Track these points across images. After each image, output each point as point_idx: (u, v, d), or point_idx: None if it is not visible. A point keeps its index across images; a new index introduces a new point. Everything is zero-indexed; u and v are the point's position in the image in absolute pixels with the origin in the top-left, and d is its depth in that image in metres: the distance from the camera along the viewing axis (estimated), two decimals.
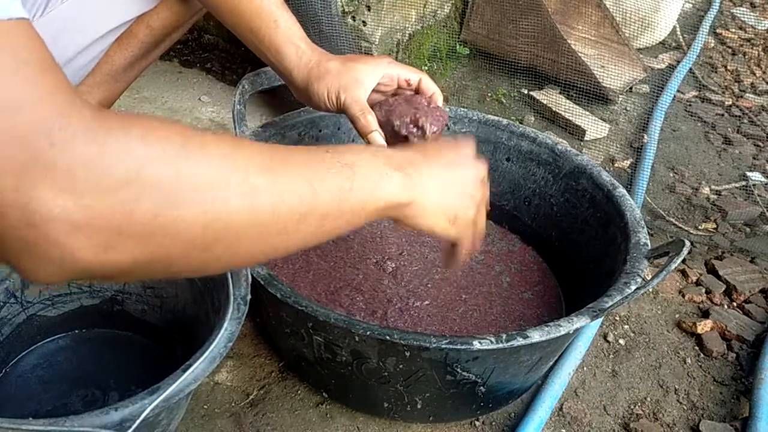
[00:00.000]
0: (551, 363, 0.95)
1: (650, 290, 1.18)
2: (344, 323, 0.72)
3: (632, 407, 0.97)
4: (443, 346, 0.71)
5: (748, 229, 1.39)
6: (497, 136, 1.16)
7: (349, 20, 1.61)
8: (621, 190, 1.01)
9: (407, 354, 0.74)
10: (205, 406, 0.89)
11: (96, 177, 0.37)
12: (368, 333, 0.71)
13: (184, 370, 0.61)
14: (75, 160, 0.37)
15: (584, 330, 1.03)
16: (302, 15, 1.38)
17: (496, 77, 1.87)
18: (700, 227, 1.38)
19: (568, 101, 1.76)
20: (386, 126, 0.81)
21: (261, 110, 1.55)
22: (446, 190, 0.63)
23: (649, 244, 0.89)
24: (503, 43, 1.85)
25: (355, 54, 1.43)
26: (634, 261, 0.86)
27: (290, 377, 0.95)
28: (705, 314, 1.15)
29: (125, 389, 0.86)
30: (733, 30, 2.44)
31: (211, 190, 0.42)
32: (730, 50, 2.29)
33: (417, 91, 0.85)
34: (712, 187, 1.53)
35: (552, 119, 1.72)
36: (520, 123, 1.66)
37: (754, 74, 2.14)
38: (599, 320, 1.06)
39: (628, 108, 1.84)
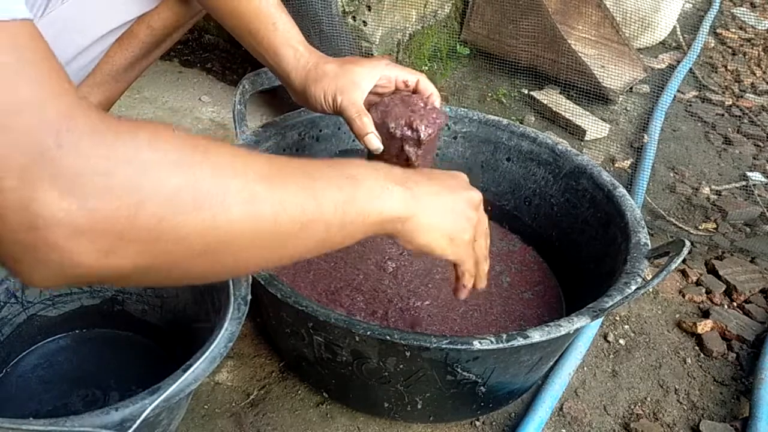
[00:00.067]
0: (551, 363, 0.95)
1: (650, 290, 1.18)
2: (344, 323, 0.72)
3: (632, 407, 0.97)
4: (443, 346, 0.71)
5: (748, 229, 1.39)
6: (497, 136, 1.16)
7: (350, 20, 1.61)
8: (621, 190, 1.01)
9: (407, 354, 0.74)
10: (206, 406, 0.89)
11: (101, 180, 0.37)
12: (368, 333, 0.71)
13: (185, 370, 0.61)
14: (81, 163, 0.36)
15: (584, 330, 1.03)
16: (302, 15, 1.38)
17: (497, 77, 1.87)
18: (700, 227, 1.38)
19: (568, 101, 1.76)
20: (382, 128, 0.81)
21: (261, 110, 1.55)
22: (445, 210, 0.63)
23: (649, 244, 0.89)
24: (503, 43, 1.85)
25: (354, 55, 1.44)
26: (634, 261, 0.86)
27: (291, 377, 0.95)
28: (705, 314, 1.15)
29: (126, 389, 0.86)
30: (734, 30, 2.44)
31: (215, 198, 0.42)
32: (730, 50, 2.29)
33: (415, 91, 0.85)
34: (713, 187, 1.53)
35: (552, 119, 1.72)
36: (521, 123, 1.66)
37: (755, 74, 2.14)
38: (599, 320, 1.06)
39: (628, 108, 1.84)
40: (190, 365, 0.62)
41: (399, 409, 0.85)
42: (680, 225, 1.37)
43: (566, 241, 1.10)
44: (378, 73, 0.82)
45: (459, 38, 1.94)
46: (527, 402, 0.94)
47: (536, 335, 0.73)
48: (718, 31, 2.41)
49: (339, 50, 1.42)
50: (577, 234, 1.08)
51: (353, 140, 1.09)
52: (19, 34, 0.36)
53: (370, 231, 0.55)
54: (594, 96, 1.75)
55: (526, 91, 1.82)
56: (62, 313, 0.91)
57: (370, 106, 0.83)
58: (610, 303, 0.78)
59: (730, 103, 1.94)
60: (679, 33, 2.23)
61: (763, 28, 2.46)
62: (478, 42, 1.91)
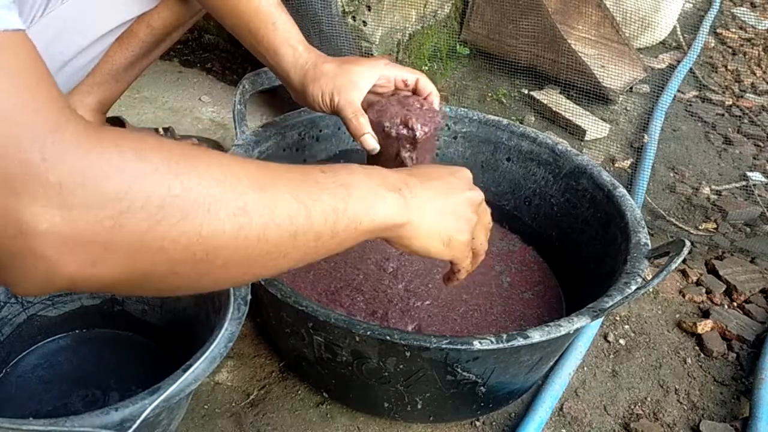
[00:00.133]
0: (551, 363, 0.95)
1: (650, 290, 1.18)
2: (344, 323, 0.72)
3: (632, 407, 0.97)
4: (443, 346, 0.71)
5: (748, 229, 1.39)
6: (497, 136, 1.16)
7: (350, 20, 1.61)
8: (621, 190, 1.01)
9: (407, 354, 0.74)
10: (206, 406, 0.89)
11: (86, 192, 0.37)
12: (368, 333, 0.71)
13: (185, 370, 0.61)
14: (66, 175, 0.36)
15: (584, 330, 1.03)
16: (302, 15, 1.38)
17: (497, 77, 1.87)
18: (700, 227, 1.38)
19: (568, 101, 1.76)
20: (378, 127, 0.81)
21: (261, 110, 1.55)
22: (441, 213, 0.62)
23: (649, 244, 0.89)
24: (503, 43, 1.85)
25: (354, 55, 1.44)
26: (634, 261, 0.86)
27: (291, 377, 0.95)
28: (705, 314, 1.15)
29: (126, 389, 0.86)
30: (734, 30, 2.44)
31: (202, 208, 0.41)
32: (730, 50, 2.29)
33: (414, 91, 0.85)
34: (713, 187, 1.53)
35: (552, 119, 1.72)
36: (521, 123, 1.66)
37: (755, 74, 2.14)
38: (599, 320, 1.06)
39: (628, 108, 1.84)
40: (190, 365, 0.62)
41: (399, 409, 0.85)
42: (680, 225, 1.37)
43: (566, 241, 1.10)
44: (377, 73, 0.82)
45: (459, 38, 1.94)
46: (527, 402, 0.94)
47: (536, 335, 0.73)
48: (718, 30, 2.41)
49: (339, 50, 1.42)
50: (577, 234, 1.08)
51: (353, 140, 1.09)
52: (9, 45, 0.36)
53: (362, 238, 0.55)
54: (594, 96, 1.75)
55: (526, 91, 1.82)
56: (62, 313, 0.91)
57: (369, 106, 0.83)
58: (610, 303, 0.78)
59: (730, 103, 1.94)
60: (679, 33, 2.23)
61: (763, 28, 2.46)
62: (478, 42, 1.91)
